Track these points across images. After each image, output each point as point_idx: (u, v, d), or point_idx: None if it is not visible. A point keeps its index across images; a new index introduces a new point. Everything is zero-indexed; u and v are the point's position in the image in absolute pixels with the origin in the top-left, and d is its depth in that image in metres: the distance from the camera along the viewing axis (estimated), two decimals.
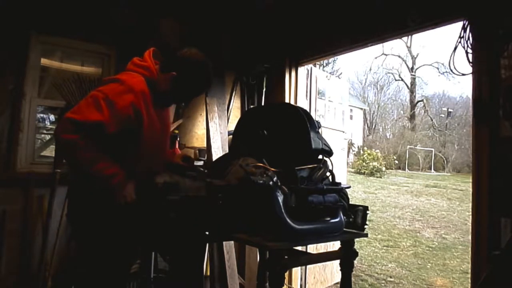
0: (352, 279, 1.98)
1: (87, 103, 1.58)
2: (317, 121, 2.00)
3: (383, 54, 25.96)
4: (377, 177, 14.67)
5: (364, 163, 15.37)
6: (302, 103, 3.55)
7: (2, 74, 2.74)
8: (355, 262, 2.01)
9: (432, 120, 25.89)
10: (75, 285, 2.04)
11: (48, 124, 3.50)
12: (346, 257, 1.91)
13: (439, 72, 25.03)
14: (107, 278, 1.65)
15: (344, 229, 1.87)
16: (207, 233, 1.89)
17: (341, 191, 1.91)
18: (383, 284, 4.22)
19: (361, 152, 17.56)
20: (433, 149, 21.56)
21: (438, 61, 25.37)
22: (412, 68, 26.71)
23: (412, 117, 26.78)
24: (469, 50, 2.14)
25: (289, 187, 1.67)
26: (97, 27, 3.06)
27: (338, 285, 2.56)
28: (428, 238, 6.69)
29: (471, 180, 2.20)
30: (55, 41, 3.01)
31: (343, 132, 4.34)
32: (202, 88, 1.89)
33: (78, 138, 1.50)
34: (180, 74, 1.74)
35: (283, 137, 1.93)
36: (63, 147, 1.57)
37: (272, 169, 1.69)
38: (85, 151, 1.52)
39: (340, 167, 3.92)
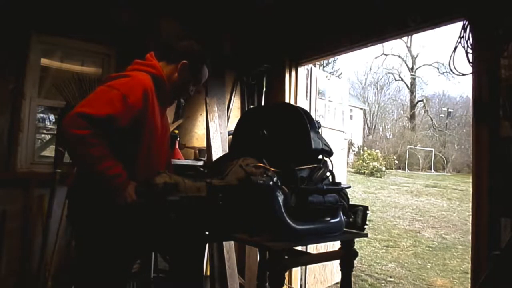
0: (352, 279, 1.98)
1: (98, 97, 1.56)
2: (317, 121, 2.00)
3: (383, 54, 25.98)
4: (377, 177, 14.67)
5: (364, 163, 15.37)
6: (302, 103, 3.55)
7: (2, 74, 2.73)
8: (355, 262, 2.01)
9: (432, 120, 25.89)
10: (75, 285, 2.04)
11: (48, 124, 3.50)
12: (346, 257, 1.91)
13: (439, 72, 25.06)
14: (107, 278, 1.64)
15: (344, 229, 1.87)
16: (207, 233, 1.89)
17: (341, 191, 1.91)
18: (383, 284, 4.22)
19: (361, 152, 17.56)
20: (433, 149, 21.55)
21: (438, 61, 25.41)
22: (412, 68, 26.70)
23: (412, 117, 26.77)
24: (469, 50, 2.14)
25: (289, 187, 1.67)
26: (97, 27, 3.06)
27: (338, 285, 2.56)
28: (428, 238, 6.69)
29: (471, 180, 2.20)
30: (55, 41, 3.01)
31: (343, 132, 4.34)
32: (204, 77, 1.91)
33: (88, 134, 1.46)
34: (191, 62, 1.79)
35: (283, 137, 1.93)
36: (71, 142, 1.51)
37: (272, 169, 1.69)
38: (93, 148, 1.49)
39: (340, 167, 3.92)
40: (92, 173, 1.56)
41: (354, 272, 2.30)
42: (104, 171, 1.52)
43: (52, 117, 3.45)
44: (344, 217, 1.86)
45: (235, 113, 3.72)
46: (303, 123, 1.88)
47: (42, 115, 3.32)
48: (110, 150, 1.54)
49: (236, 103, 3.78)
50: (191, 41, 1.89)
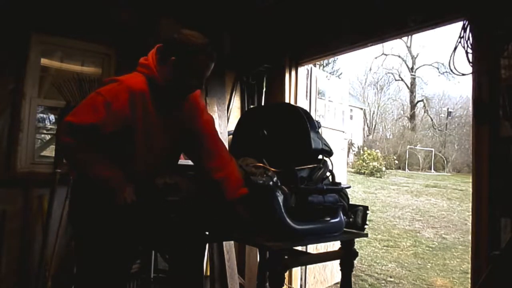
0: (352, 279, 1.98)
1: (84, 105, 1.60)
2: (317, 121, 2.00)
3: (383, 54, 25.94)
4: (377, 177, 14.66)
5: (364, 163, 15.36)
6: (302, 103, 3.55)
7: (2, 74, 2.73)
8: (355, 262, 2.01)
9: (432, 120, 25.88)
10: (75, 285, 2.04)
11: (48, 124, 3.50)
12: (346, 257, 1.91)
13: (439, 72, 25.02)
14: (107, 278, 1.65)
15: (344, 229, 1.87)
16: (207, 233, 1.89)
17: (341, 191, 1.91)
18: (383, 284, 4.22)
19: (361, 152, 17.54)
20: (433, 149, 21.53)
21: (438, 61, 25.36)
22: (412, 68, 26.68)
23: (412, 117, 26.76)
24: (469, 50, 2.14)
25: (289, 187, 1.67)
26: (97, 27, 3.05)
27: (338, 285, 2.56)
28: (428, 238, 6.69)
29: (471, 180, 2.20)
30: (55, 41, 3.01)
31: (343, 132, 4.34)
32: (205, 66, 1.73)
33: (74, 141, 1.52)
34: (180, 55, 1.64)
35: (283, 137, 1.93)
36: (62, 149, 1.65)
37: (272, 169, 1.69)
38: (81, 154, 1.56)
39: (340, 167, 3.92)
40: (88, 175, 1.60)
41: (354, 272, 2.30)
42: (97, 174, 1.56)
43: (52, 117, 3.45)
44: (344, 217, 1.86)
45: (235, 113, 3.72)
46: (303, 123, 1.89)
47: (42, 115, 3.32)
48: (105, 152, 1.56)
49: (236, 103, 3.77)
50: (185, 30, 1.71)
